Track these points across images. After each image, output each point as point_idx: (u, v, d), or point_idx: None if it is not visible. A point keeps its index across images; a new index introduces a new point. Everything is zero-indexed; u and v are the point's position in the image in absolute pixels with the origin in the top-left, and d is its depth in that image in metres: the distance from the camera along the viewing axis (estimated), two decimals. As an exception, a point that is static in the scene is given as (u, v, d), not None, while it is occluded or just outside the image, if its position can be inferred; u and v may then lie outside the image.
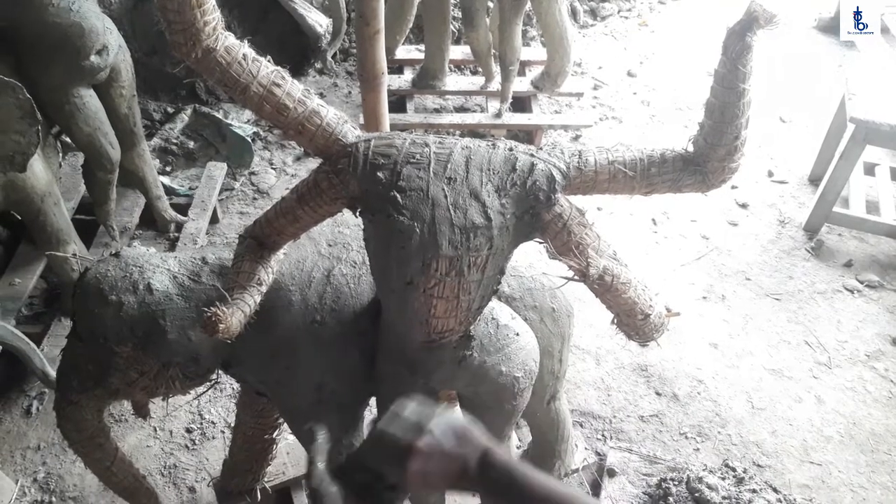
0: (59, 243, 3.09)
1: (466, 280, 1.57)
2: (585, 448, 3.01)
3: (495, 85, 4.71)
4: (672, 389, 3.33)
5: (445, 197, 1.52)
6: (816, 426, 3.20)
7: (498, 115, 4.61)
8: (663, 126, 5.06)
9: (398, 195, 1.52)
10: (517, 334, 1.86)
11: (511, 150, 1.58)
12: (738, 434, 3.14)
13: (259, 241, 1.74)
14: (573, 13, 5.96)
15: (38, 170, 2.85)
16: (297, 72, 5.19)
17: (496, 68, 4.61)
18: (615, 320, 1.63)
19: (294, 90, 1.55)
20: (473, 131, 4.78)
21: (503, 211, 1.53)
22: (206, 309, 1.52)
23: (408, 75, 4.88)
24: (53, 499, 2.89)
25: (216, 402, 3.26)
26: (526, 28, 5.62)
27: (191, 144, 4.46)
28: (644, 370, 3.42)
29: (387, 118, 2.79)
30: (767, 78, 5.37)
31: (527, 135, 4.80)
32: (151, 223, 3.91)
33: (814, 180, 4.53)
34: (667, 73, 5.54)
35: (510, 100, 4.60)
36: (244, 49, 1.51)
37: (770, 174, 4.66)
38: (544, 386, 2.39)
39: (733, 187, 4.47)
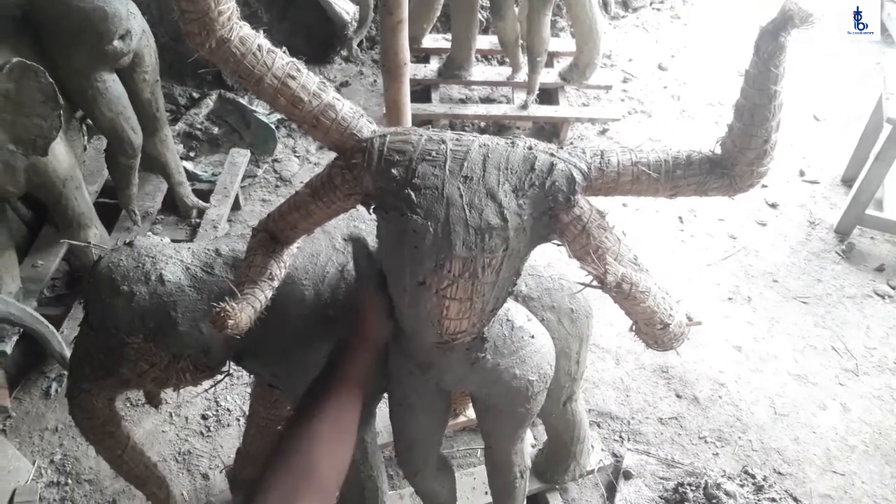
0: (80, 227, 3.10)
1: (480, 282, 1.52)
2: (602, 449, 2.96)
3: (522, 76, 4.64)
4: (693, 392, 3.27)
5: (461, 196, 1.47)
6: (841, 435, 3.12)
7: (524, 106, 4.54)
8: (694, 121, 4.95)
9: (412, 193, 1.48)
10: (532, 337, 1.81)
11: (531, 148, 1.53)
12: (759, 440, 3.07)
13: (272, 235, 1.71)
14: (604, 4, 5.85)
15: (61, 154, 2.86)
16: (324, 59, 5.16)
17: (523, 59, 4.54)
18: (633, 327, 1.58)
19: (309, 83, 1.52)
20: (499, 123, 4.72)
21: (520, 212, 1.49)
22: (214, 304, 1.50)
23: (434, 65, 4.82)
24: (69, 481, 2.92)
25: (232, 390, 3.26)
26: (555, 18, 5.53)
27: (215, 130, 4.46)
28: (665, 371, 3.36)
29: (409, 109, 2.74)
30: (802, 74, 5.23)
31: (553, 127, 4.73)
32: (174, 208, 3.91)
33: (847, 181, 4.41)
34: (699, 68, 5.43)
35: (537, 91, 4.54)
36: (259, 40, 1.48)
37: (802, 173, 4.54)
38: (560, 387, 2.35)
39: (763, 186, 4.36)
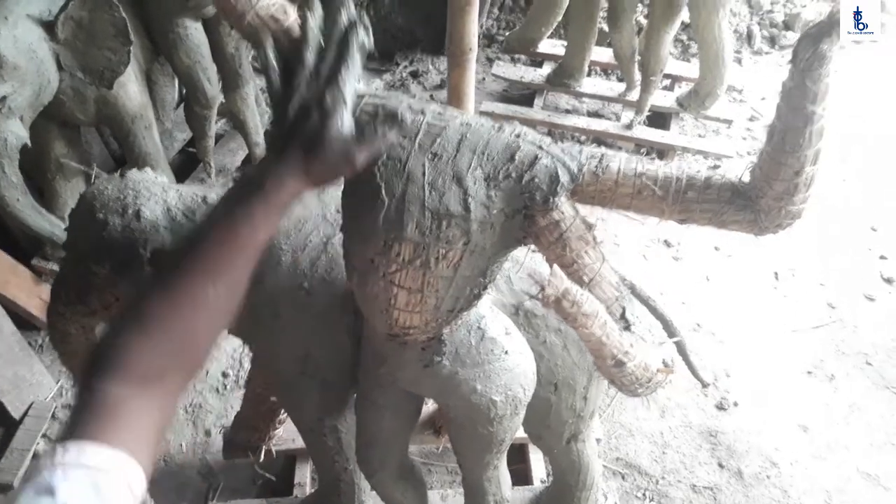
0: (145, 167, 3.15)
1: (433, 274, 1.35)
2: (616, 503, 2.68)
3: (636, 94, 4.36)
4: (738, 465, 2.90)
5: (423, 174, 1.31)
6: (904, 554, 2.67)
7: (629, 126, 4.26)
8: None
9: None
10: (505, 352, 1.61)
11: (518, 136, 1.34)
12: (802, 536, 2.68)
13: (250, 188, 1.62)
14: (749, 36, 5.43)
15: (132, 91, 2.92)
16: (438, 49, 5.08)
17: (638, 76, 4.26)
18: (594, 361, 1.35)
19: (293, 28, 1.40)
20: (601, 139, 4.46)
21: (488, 203, 1.31)
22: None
23: (546, 70, 4.63)
24: (85, 407, 2.97)
25: (259, 355, 3.23)
26: (689, 42, 5.20)
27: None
28: (713, 436, 3.01)
29: (472, 98, 2.59)
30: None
31: (658, 154, 4.41)
32: (252, 168, 3.95)
33: None
34: (839, 120, 4.89)
35: (646, 112, 4.25)
36: (244, -28, 1.38)
37: (935, 252, 3.98)
38: (563, 422, 2.11)
39: (882, 258, 3.85)
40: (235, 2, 1.37)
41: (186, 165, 3.87)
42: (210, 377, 3.13)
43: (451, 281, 1.38)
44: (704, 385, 2.37)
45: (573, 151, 1.35)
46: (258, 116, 3.66)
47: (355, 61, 1.15)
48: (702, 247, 3.88)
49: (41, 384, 2.96)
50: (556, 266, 1.19)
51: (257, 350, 1.98)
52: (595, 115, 4.68)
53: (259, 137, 3.73)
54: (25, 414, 2.87)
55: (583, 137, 4.49)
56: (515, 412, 1.68)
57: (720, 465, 2.91)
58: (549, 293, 1.12)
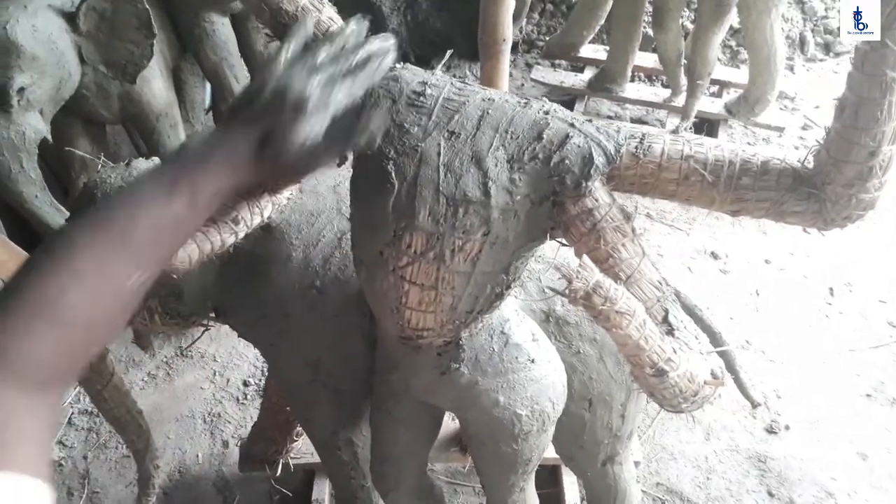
0: (170, 166, 3.09)
1: (448, 268, 1.20)
2: (655, 531, 2.48)
3: (682, 100, 4.16)
4: (790, 494, 2.67)
5: (439, 154, 1.16)
6: None
7: (674, 132, 4.06)
8: (878, 186, 4.20)
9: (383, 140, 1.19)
10: (532, 361, 1.45)
11: (547, 113, 1.19)
12: (862, 576, 2.44)
13: (256, 176, 1.49)
14: (801, 42, 5.18)
15: (157, 88, 2.85)
16: (477, 55, 4.95)
17: (684, 81, 4.06)
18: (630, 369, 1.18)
19: (325, 22, 1.27)
20: (643, 148, 4.26)
21: (511, 188, 1.15)
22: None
23: (587, 75, 4.46)
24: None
25: (282, 363, 3.11)
26: (738, 48, 4.98)
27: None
28: (762, 461, 2.78)
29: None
30: None
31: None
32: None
33: None
34: (901, 127, 4.63)
35: (692, 119, 4.05)
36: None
37: None
38: (598, 442, 1.93)
39: (950, 273, 3.58)
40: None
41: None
42: (230, 385, 3.01)
43: (469, 277, 1.22)
44: (755, 405, 2.16)
45: (610, 130, 1.19)
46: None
47: (364, 81, 1.10)
48: (751, 259, 3.66)
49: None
50: (585, 256, 1.02)
51: (267, 355, 1.85)
52: (638, 121, 4.50)
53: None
54: (40, 418, 2.79)
55: (625, 145, 4.30)
56: (543, 429, 1.51)
57: (770, 494, 2.68)
58: (577, 286, 0.96)
